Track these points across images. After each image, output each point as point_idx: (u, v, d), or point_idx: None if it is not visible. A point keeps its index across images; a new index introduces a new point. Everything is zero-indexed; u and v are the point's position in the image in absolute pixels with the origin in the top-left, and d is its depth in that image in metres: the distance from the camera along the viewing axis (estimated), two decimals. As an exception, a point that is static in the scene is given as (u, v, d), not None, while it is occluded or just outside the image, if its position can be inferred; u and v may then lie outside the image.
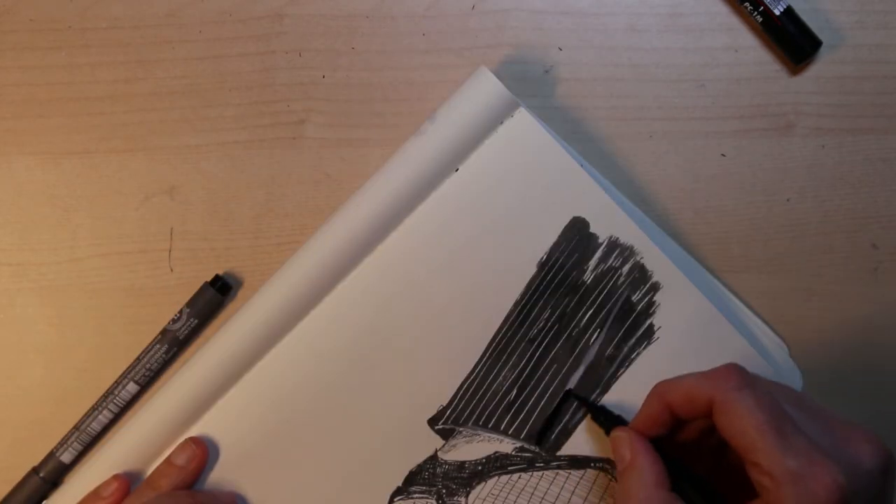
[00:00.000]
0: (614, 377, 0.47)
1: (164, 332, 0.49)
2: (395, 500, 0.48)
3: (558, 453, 0.47)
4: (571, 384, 0.47)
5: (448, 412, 0.48)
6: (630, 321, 0.47)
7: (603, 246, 0.47)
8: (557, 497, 0.47)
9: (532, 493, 0.47)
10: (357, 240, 0.47)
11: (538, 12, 0.49)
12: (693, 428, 0.42)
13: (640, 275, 0.47)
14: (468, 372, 0.48)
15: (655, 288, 0.47)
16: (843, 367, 0.49)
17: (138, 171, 0.50)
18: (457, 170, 0.47)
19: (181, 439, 0.48)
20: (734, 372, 0.38)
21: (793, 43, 0.47)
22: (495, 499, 0.47)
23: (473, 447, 0.48)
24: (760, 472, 0.36)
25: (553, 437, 0.47)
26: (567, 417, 0.47)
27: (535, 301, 0.47)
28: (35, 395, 0.50)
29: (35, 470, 0.50)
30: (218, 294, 0.49)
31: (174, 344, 0.49)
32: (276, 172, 0.50)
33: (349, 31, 0.50)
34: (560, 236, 0.47)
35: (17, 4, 0.50)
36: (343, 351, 0.48)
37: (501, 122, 0.47)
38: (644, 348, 0.47)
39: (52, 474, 0.49)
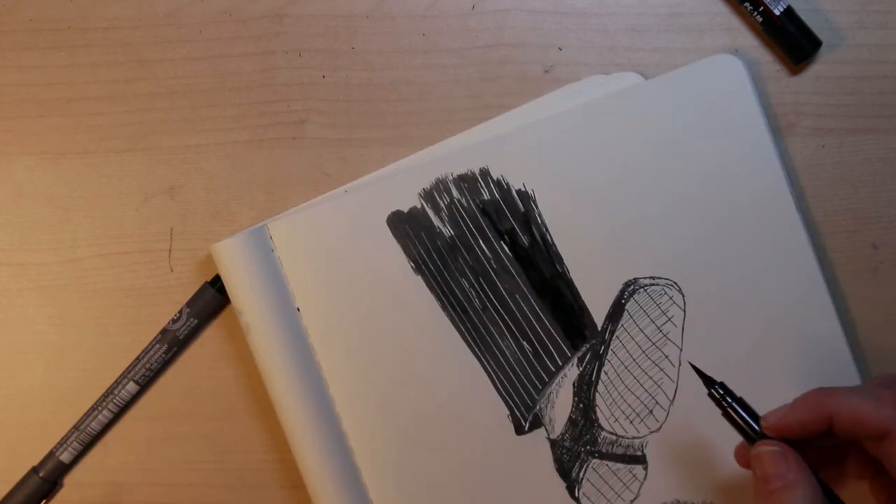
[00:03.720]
0: (551, 245, 0.47)
1: (163, 331, 0.49)
2: (578, 493, 0.48)
3: (599, 327, 0.48)
4: (540, 287, 0.47)
5: (517, 412, 0.48)
6: (504, 208, 0.47)
7: (424, 206, 0.47)
8: (640, 345, 0.47)
9: (628, 366, 0.47)
10: None
11: (538, 12, 0.49)
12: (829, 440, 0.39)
13: (468, 181, 0.47)
14: (485, 374, 0.48)
15: (486, 173, 0.47)
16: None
17: (138, 171, 0.50)
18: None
19: None
20: None
21: (793, 43, 0.47)
22: (617, 402, 0.47)
23: (560, 403, 0.48)
24: None
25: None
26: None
27: (447, 291, 0.48)
28: (35, 395, 0.50)
29: (35, 470, 0.50)
30: (218, 294, 0.49)
31: (174, 344, 0.49)
32: (276, 172, 0.50)
33: (349, 31, 0.50)
34: (397, 240, 0.48)
35: (17, 4, 0.50)
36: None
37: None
38: (536, 207, 0.47)
39: (51, 474, 0.49)
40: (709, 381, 0.41)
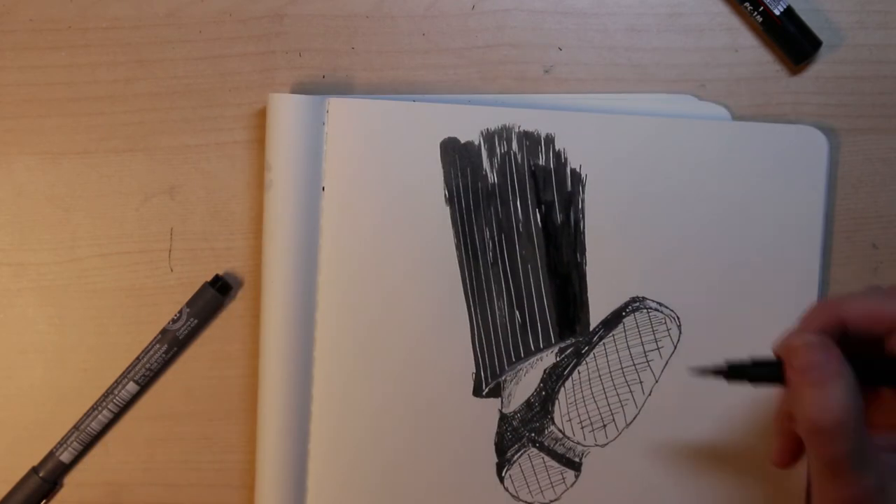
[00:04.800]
0: (581, 233, 0.47)
1: (163, 331, 0.49)
2: (504, 473, 0.48)
3: (591, 328, 0.48)
4: (554, 266, 0.48)
5: (482, 374, 0.48)
6: (553, 180, 0.47)
7: (481, 145, 0.47)
8: (621, 361, 0.48)
9: (601, 375, 0.48)
10: None
11: (538, 12, 0.49)
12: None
13: (531, 140, 0.47)
14: (469, 329, 0.48)
15: (551, 140, 0.47)
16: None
17: (138, 171, 0.50)
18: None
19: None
20: None
21: (793, 43, 0.47)
22: (577, 404, 0.48)
23: (524, 382, 0.48)
24: None
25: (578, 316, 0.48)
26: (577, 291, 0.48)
27: (468, 232, 0.48)
28: (35, 395, 0.50)
29: (35, 469, 0.50)
30: (218, 294, 0.49)
31: (174, 344, 0.49)
32: (276, 172, 0.50)
33: (349, 31, 0.50)
34: (442, 164, 0.48)
35: (17, 4, 0.50)
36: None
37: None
38: (582, 192, 0.47)
39: (51, 474, 0.49)
40: (722, 372, 0.38)
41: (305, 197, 0.47)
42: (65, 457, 0.49)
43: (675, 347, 0.48)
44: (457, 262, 0.48)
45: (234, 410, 0.50)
